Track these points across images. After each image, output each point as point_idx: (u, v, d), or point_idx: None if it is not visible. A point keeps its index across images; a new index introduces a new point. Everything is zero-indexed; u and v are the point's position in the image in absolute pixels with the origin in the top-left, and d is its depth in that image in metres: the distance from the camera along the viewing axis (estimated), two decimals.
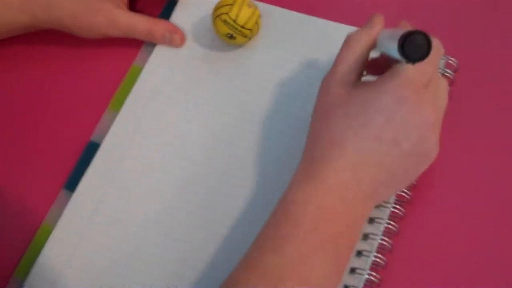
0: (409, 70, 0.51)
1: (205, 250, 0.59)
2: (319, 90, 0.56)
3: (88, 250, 0.60)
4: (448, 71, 0.63)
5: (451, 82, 0.63)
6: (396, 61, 0.52)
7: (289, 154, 0.61)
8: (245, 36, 0.64)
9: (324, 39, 0.67)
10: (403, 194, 0.59)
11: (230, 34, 0.64)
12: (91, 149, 0.65)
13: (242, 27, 0.63)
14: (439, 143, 0.54)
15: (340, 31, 0.65)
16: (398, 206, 0.58)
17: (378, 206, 0.58)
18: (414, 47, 0.47)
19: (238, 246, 0.54)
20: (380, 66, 0.57)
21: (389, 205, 0.58)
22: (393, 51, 0.49)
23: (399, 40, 0.47)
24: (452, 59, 0.63)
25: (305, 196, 0.52)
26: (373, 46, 0.56)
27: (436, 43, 0.54)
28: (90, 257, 0.60)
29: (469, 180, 0.61)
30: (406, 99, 0.51)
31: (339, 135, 0.52)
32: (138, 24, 0.67)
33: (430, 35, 0.47)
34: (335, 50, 0.63)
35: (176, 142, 0.64)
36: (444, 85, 0.56)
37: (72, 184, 0.63)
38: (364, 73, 0.57)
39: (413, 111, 0.51)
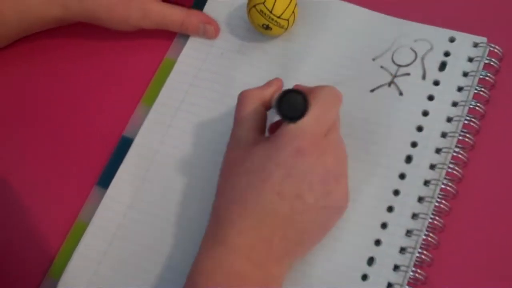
0: (304, 121, 0.50)
1: None
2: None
3: (123, 248, 0.59)
4: (494, 60, 0.60)
5: (496, 71, 0.61)
6: None
7: None
8: (281, 26, 0.62)
9: (362, 28, 0.65)
10: (449, 188, 0.56)
11: (266, 25, 0.62)
12: (124, 144, 0.64)
13: (279, 17, 0.61)
14: (347, 193, 0.53)
15: (378, 19, 0.65)
16: (443, 201, 0.56)
17: (421, 201, 0.56)
18: (291, 106, 0.49)
19: None
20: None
21: (433, 200, 0.56)
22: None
23: (276, 100, 0.49)
24: (497, 47, 0.61)
25: (212, 263, 0.50)
26: (267, 105, 0.55)
27: (330, 91, 0.53)
28: (125, 254, 0.59)
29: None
30: (304, 151, 0.50)
31: (240, 193, 0.51)
32: (172, 15, 0.66)
33: (306, 94, 0.49)
34: (374, 39, 0.64)
35: (211, 137, 0.62)
36: (341, 139, 0.54)
37: (105, 180, 0.62)
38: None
39: (313, 163, 0.50)
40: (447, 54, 0.61)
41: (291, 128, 0.50)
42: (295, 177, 0.49)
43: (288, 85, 0.63)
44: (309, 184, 0.50)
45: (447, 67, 0.61)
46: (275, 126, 0.56)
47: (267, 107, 0.55)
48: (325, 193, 0.51)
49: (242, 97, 0.55)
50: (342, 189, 0.52)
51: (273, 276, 0.50)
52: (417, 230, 0.55)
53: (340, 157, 0.53)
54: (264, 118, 0.55)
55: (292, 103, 0.49)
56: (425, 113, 0.59)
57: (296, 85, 0.57)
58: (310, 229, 0.51)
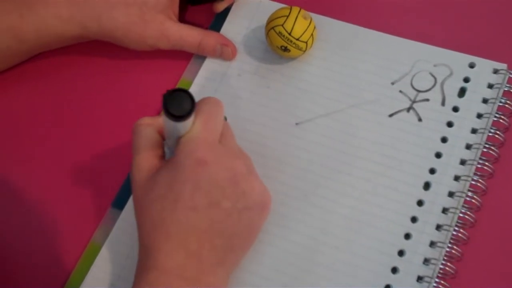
0: (194, 134, 0.51)
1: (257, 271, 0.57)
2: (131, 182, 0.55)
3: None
4: None
5: None
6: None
7: (339, 171, 0.60)
8: (300, 49, 0.62)
9: (381, 52, 0.65)
10: (467, 217, 0.56)
11: (284, 46, 0.62)
12: None
13: (298, 39, 0.61)
14: (264, 188, 0.53)
15: (397, 43, 0.64)
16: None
17: (439, 229, 0.55)
18: (178, 103, 0.48)
19: None
20: None
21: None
22: (169, 124, 0.50)
23: (163, 100, 0.48)
24: None
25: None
26: (162, 133, 0.55)
27: (210, 101, 0.53)
28: None
29: None
30: (204, 160, 0.50)
31: (158, 219, 0.51)
32: (189, 36, 0.65)
33: (190, 91, 0.48)
34: (392, 63, 0.63)
35: None
36: (237, 145, 0.55)
37: (120, 202, 0.62)
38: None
39: (217, 169, 0.51)
40: (466, 80, 0.61)
41: (185, 144, 0.51)
42: (204, 188, 0.50)
43: (307, 108, 0.63)
44: (220, 190, 0.50)
45: (467, 94, 0.60)
46: None
47: (162, 135, 0.55)
48: (240, 194, 0.51)
49: (136, 125, 0.55)
50: (257, 185, 0.53)
51: (213, 284, 0.51)
52: (435, 259, 0.55)
53: (243, 157, 0.54)
54: (161, 145, 0.55)
55: (179, 101, 0.48)
56: (444, 140, 0.59)
57: None
58: (238, 232, 0.52)
